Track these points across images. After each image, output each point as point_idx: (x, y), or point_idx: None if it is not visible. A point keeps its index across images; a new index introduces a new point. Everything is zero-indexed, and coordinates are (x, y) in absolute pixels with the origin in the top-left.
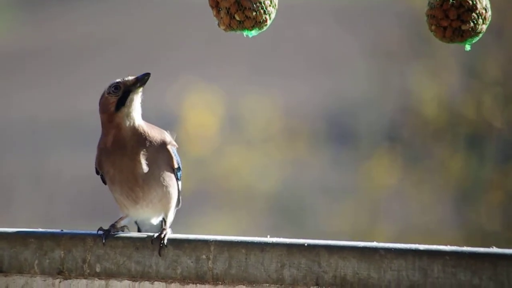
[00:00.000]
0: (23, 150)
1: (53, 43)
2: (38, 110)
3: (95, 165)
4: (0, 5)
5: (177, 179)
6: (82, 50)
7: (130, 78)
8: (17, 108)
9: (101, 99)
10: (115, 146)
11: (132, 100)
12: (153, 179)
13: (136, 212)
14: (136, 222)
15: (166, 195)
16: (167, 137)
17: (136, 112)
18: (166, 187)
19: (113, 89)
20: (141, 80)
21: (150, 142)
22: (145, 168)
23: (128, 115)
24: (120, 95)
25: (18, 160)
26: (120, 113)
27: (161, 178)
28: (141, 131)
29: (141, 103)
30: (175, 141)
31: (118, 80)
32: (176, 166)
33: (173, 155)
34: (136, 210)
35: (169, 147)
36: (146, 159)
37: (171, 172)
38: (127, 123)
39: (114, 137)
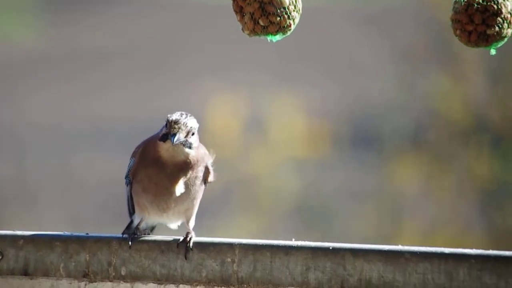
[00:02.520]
0: (49, 154)
1: (76, 47)
2: (63, 113)
3: (128, 170)
4: (24, 9)
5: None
6: (104, 54)
7: (171, 129)
8: (42, 112)
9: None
10: (156, 163)
11: (168, 143)
12: (186, 195)
13: (158, 218)
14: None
15: (194, 206)
16: (208, 155)
17: (179, 150)
18: (196, 199)
19: (165, 123)
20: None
21: (192, 166)
22: (181, 189)
23: (169, 149)
24: (163, 133)
25: (44, 164)
26: (164, 144)
27: (194, 192)
28: (185, 161)
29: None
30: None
31: (173, 118)
32: (211, 180)
33: (211, 170)
34: (159, 217)
35: (208, 164)
36: (184, 182)
37: (203, 185)
38: (168, 154)
39: (157, 156)
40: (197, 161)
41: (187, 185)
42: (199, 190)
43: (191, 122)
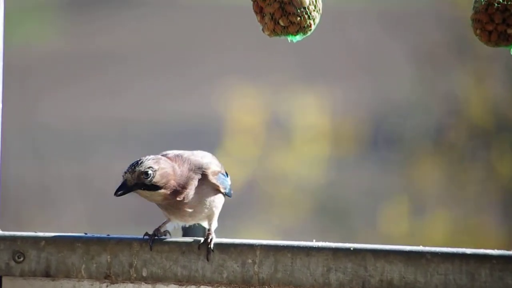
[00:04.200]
0: (69, 156)
1: (95, 47)
2: (82, 114)
3: None
4: (41, 9)
5: (225, 194)
6: (122, 55)
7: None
8: (60, 113)
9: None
10: None
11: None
12: (201, 207)
13: (181, 223)
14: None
15: (214, 212)
16: (208, 170)
17: (145, 193)
18: (214, 207)
19: None
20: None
21: (191, 193)
22: (190, 211)
23: (145, 193)
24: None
25: (64, 165)
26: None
27: (209, 204)
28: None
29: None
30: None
31: (124, 168)
32: (223, 191)
33: (218, 183)
34: (181, 222)
35: (212, 179)
36: (190, 206)
37: (219, 193)
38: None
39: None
40: (185, 185)
41: (195, 204)
42: (214, 201)
43: (142, 166)
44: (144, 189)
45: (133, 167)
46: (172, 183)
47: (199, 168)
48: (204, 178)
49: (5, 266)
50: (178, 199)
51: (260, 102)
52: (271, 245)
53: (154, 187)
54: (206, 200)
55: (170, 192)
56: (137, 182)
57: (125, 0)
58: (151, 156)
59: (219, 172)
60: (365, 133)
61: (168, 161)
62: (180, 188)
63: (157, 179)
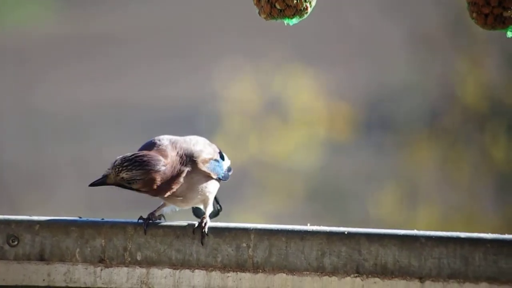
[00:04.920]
0: (65, 139)
1: (93, 30)
2: (78, 98)
3: None
4: None
5: (219, 180)
6: (121, 37)
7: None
8: (56, 97)
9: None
10: None
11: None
12: (192, 194)
13: (177, 208)
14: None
15: (207, 197)
16: (198, 159)
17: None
18: (207, 193)
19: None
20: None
21: (177, 185)
22: (180, 198)
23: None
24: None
25: (61, 148)
26: None
27: (201, 190)
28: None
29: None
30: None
31: (116, 161)
32: (215, 177)
33: (208, 171)
34: (176, 207)
35: (202, 168)
36: (179, 194)
37: (211, 179)
38: None
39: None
40: (172, 182)
41: (187, 192)
42: (207, 186)
43: (128, 174)
44: (122, 188)
45: (119, 169)
46: (155, 187)
47: (190, 156)
48: (194, 166)
49: None
50: (165, 196)
51: (256, 87)
52: (265, 229)
53: (134, 189)
54: (197, 188)
55: (153, 191)
56: (116, 182)
57: None
58: (146, 159)
59: (210, 159)
60: (360, 116)
61: (163, 163)
62: (165, 187)
63: (138, 186)
